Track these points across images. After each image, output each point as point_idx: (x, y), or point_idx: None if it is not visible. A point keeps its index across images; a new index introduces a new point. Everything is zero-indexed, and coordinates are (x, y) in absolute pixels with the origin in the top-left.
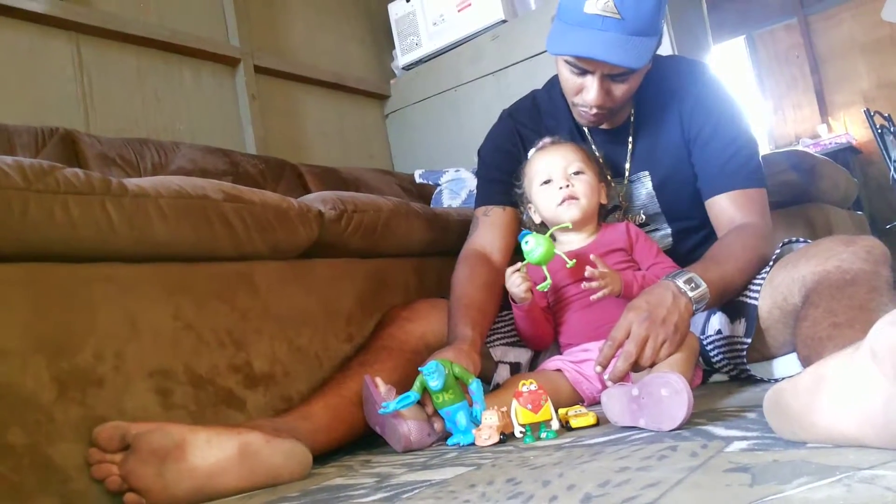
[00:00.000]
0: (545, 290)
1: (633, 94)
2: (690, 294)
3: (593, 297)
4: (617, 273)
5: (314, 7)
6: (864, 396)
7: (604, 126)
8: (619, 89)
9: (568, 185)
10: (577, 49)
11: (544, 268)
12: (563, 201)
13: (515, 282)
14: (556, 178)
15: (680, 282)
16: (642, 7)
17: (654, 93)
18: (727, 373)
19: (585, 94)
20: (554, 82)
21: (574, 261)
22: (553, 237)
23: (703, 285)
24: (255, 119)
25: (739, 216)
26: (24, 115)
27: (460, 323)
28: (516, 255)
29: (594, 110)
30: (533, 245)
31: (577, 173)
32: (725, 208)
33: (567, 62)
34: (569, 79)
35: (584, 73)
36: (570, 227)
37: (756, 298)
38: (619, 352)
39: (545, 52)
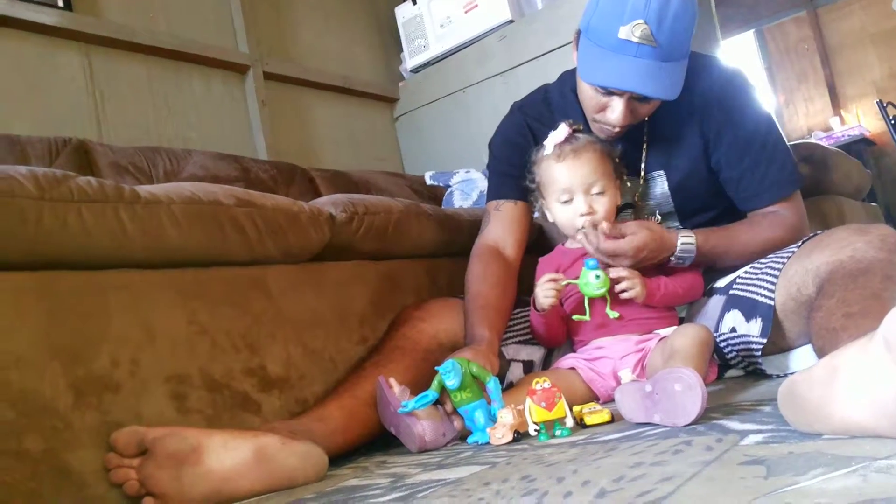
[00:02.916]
0: (582, 320)
1: None
2: (672, 260)
3: (623, 295)
4: (642, 279)
5: (322, 12)
6: (879, 386)
7: None
8: (644, 108)
9: (590, 212)
10: (612, 80)
11: (586, 299)
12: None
13: (547, 293)
14: (577, 198)
15: (678, 246)
16: (677, 33)
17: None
18: (742, 368)
19: (609, 114)
20: (566, 78)
21: (618, 314)
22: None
23: (690, 258)
24: (265, 125)
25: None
26: (36, 126)
27: (477, 324)
28: (530, 249)
29: (616, 129)
30: (595, 283)
31: (599, 193)
32: (760, 212)
33: (593, 85)
34: (592, 97)
35: (609, 93)
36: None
37: (772, 298)
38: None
39: (553, 51)
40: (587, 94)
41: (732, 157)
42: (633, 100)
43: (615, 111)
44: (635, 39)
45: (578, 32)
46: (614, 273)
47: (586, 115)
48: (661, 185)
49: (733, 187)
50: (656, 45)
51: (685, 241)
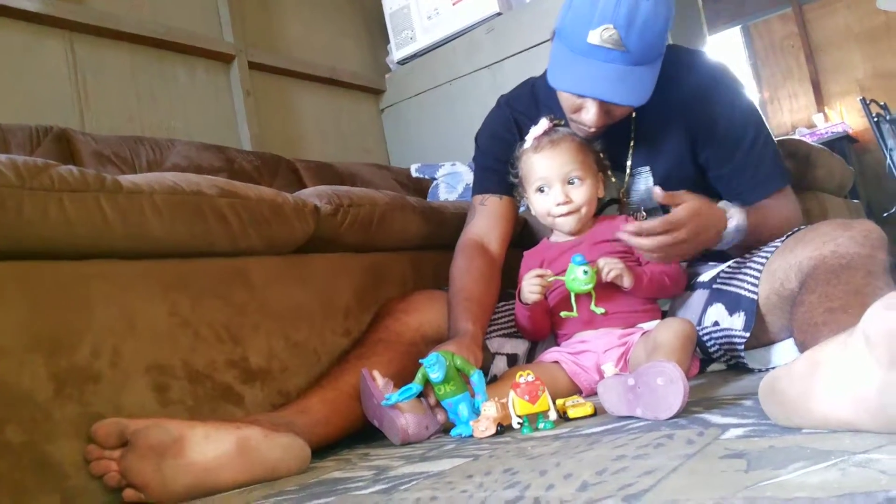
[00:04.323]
0: (570, 317)
1: None
2: (722, 241)
3: (610, 275)
4: (625, 264)
5: (308, 2)
6: (859, 381)
7: None
8: (619, 110)
9: (566, 201)
10: (580, 87)
11: (573, 295)
12: (560, 216)
13: (533, 288)
14: (552, 188)
15: (732, 225)
16: (647, 37)
17: (662, 87)
18: (725, 362)
19: (584, 115)
20: None
21: (603, 310)
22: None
23: (734, 239)
24: (249, 115)
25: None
26: (18, 113)
27: (461, 318)
28: (514, 243)
29: (592, 129)
30: (583, 279)
31: (574, 181)
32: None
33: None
34: (567, 98)
35: (582, 95)
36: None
37: (756, 292)
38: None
39: (541, 44)
40: (561, 95)
41: (721, 156)
42: (608, 103)
43: (589, 113)
44: (604, 44)
45: (554, 33)
46: (602, 261)
47: (565, 113)
48: (646, 181)
49: (724, 185)
50: (626, 50)
51: (737, 220)
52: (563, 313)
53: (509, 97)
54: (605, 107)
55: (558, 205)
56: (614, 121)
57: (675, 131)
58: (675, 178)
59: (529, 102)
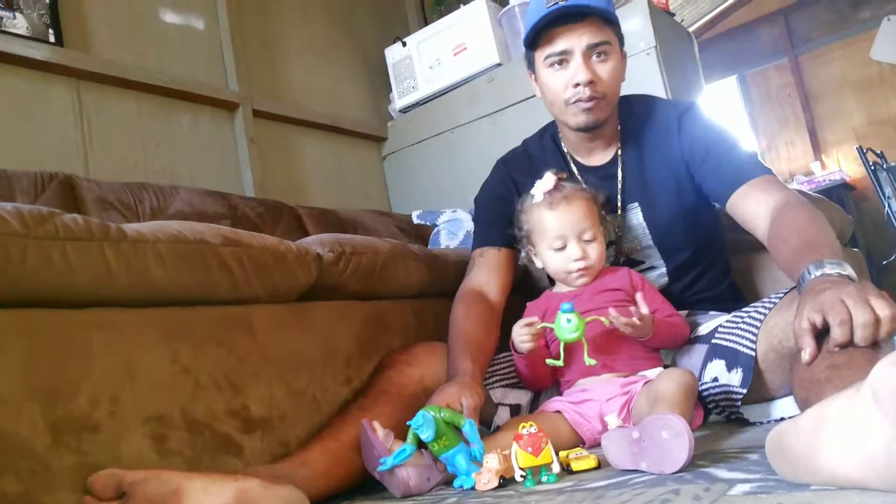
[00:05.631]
0: (555, 365)
1: (617, 130)
2: (852, 276)
3: (626, 330)
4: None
5: (312, 52)
6: (867, 438)
7: (592, 163)
8: (604, 69)
9: (583, 256)
10: (547, 3)
11: (562, 344)
12: (578, 271)
13: (523, 337)
14: (570, 245)
15: (833, 272)
16: None
17: (638, 128)
18: (725, 417)
19: (575, 77)
20: (545, 129)
21: (595, 361)
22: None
23: (844, 263)
24: (253, 162)
25: (769, 198)
26: (24, 160)
27: (460, 358)
28: (513, 293)
29: (588, 92)
30: (569, 327)
31: (590, 239)
32: (751, 198)
33: (547, 60)
34: (555, 77)
35: (565, 59)
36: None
37: (753, 349)
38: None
39: None
40: (550, 80)
41: (699, 154)
42: (589, 54)
43: (579, 71)
44: (556, 4)
45: (526, 60)
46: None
47: (558, 111)
48: (636, 217)
49: (712, 176)
50: None
51: (828, 267)
52: (548, 361)
53: (504, 158)
54: (589, 65)
55: (576, 260)
56: (604, 86)
57: (657, 167)
58: (662, 213)
59: (523, 159)
